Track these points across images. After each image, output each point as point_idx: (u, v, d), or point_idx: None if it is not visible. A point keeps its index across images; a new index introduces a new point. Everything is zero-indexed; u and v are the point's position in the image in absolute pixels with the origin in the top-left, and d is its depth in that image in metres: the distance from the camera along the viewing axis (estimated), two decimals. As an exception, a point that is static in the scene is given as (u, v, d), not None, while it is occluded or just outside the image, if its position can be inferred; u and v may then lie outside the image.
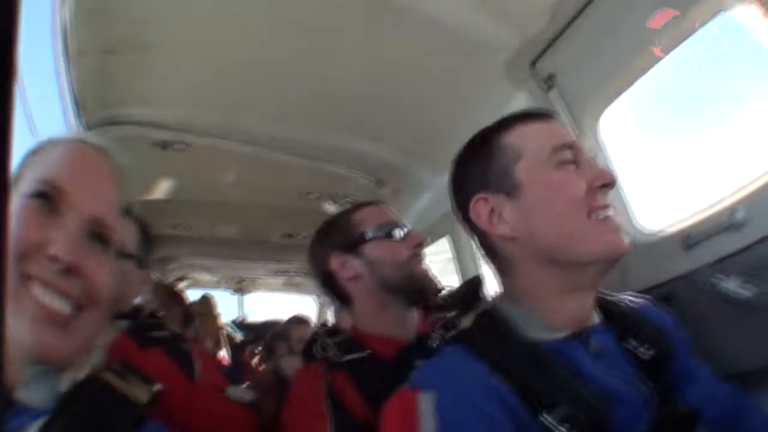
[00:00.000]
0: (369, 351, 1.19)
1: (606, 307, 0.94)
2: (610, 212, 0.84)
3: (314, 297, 4.26)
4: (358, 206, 1.40)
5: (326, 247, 1.33)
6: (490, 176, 0.89)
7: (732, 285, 1.19)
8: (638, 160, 1.73)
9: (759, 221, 1.18)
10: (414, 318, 1.29)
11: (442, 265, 2.68)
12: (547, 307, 0.85)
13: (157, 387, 0.74)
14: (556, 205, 0.84)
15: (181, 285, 3.66)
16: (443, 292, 1.33)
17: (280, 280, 4.17)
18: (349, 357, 1.18)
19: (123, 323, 1.31)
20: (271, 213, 3.05)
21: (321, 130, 2.20)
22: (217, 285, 4.23)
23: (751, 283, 1.16)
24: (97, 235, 0.66)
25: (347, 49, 1.69)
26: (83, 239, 0.64)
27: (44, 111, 1.69)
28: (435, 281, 1.30)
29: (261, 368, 3.00)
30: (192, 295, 3.39)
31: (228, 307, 4.24)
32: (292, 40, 1.63)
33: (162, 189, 2.59)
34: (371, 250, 1.28)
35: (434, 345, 0.88)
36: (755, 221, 1.19)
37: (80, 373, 0.67)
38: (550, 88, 1.61)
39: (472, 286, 0.99)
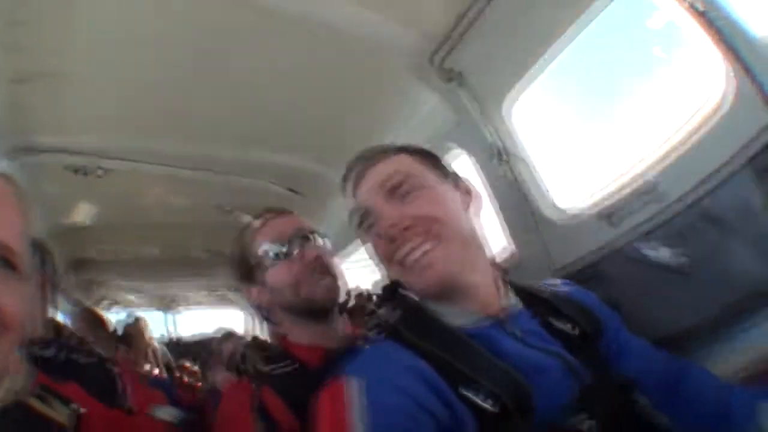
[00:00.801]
0: (297, 362, 1.21)
1: (528, 294, 1.01)
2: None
3: (243, 310, 4.30)
4: (252, 228, 1.37)
5: (238, 280, 1.39)
6: None
7: (662, 254, 1.25)
8: (555, 142, 1.81)
9: (676, 188, 1.24)
10: (338, 325, 1.30)
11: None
12: (461, 305, 0.92)
13: (77, 408, 0.78)
14: None
15: (110, 308, 3.67)
16: (364, 293, 1.37)
17: (208, 295, 4.21)
18: (278, 370, 1.19)
19: (48, 351, 1.34)
20: (192, 230, 3.11)
21: (235, 146, 2.28)
22: (146, 305, 4.22)
23: (679, 250, 1.23)
24: (5, 261, 0.64)
25: (252, 65, 1.74)
26: None
27: None
28: (336, 293, 1.30)
29: (197, 385, 3.11)
30: (122, 316, 3.42)
31: (159, 327, 4.27)
32: (198, 61, 1.70)
33: (84, 214, 2.64)
34: (270, 276, 1.29)
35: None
36: (672, 189, 1.25)
37: (1, 401, 0.68)
38: (459, 85, 1.67)
39: (394, 284, 1.01)
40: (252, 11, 1.52)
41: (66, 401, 0.79)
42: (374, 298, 1.46)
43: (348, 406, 0.74)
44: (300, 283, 1.25)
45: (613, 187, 1.42)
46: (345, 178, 1.00)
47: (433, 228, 0.88)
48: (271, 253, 1.28)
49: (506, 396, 0.76)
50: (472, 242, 0.94)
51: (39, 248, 1.31)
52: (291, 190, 2.67)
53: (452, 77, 1.67)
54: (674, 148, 1.27)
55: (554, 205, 1.58)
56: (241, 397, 1.15)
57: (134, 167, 2.30)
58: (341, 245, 2.47)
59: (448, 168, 1.04)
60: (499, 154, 1.64)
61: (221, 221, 2.83)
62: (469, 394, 0.77)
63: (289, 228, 1.32)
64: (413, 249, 0.88)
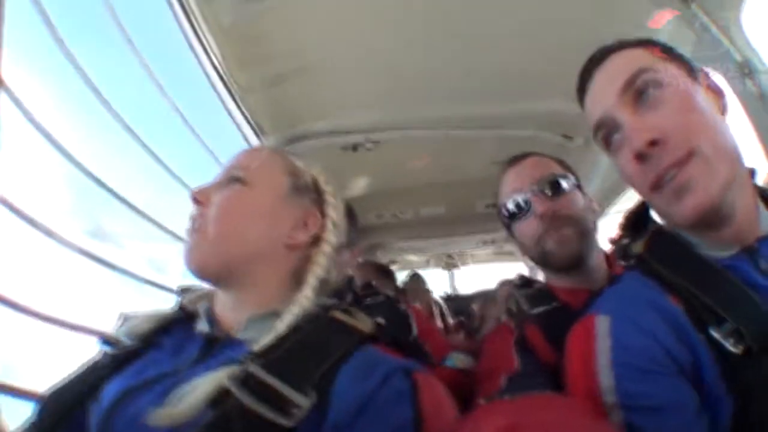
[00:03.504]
0: (558, 302, 1.18)
1: None
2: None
3: (524, 262, 4.05)
4: (499, 180, 1.29)
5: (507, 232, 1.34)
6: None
7: None
8: None
9: None
10: (600, 267, 1.22)
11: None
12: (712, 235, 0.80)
13: (380, 320, 0.83)
14: None
15: (393, 267, 3.87)
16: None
17: (489, 250, 4.17)
18: (540, 309, 1.17)
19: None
20: (469, 187, 3.05)
21: (499, 99, 2.22)
22: (426, 264, 4.40)
23: None
24: (232, 178, 0.82)
25: (502, 16, 1.72)
26: (219, 184, 0.83)
27: (224, 143, 1.99)
28: (576, 244, 1.16)
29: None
30: (403, 275, 3.58)
31: (440, 285, 4.38)
32: (456, 17, 1.67)
33: (361, 186, 2.83)
34: (515, 231, 1.24)
35: None
36: None
37: (294, 315, 0.75)
38: (689, 1, 1.56)
39: (639, 210, 0.91)
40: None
41: (368, 314, 0.83)
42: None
43: (595, 343, 0.74)
44: (537, 238, 1.17)
45: None
46: (579, 89, 0.88)
47: (692, 141, 0.73)
48: (510, 207, 1.21)
49: (752, 334, 0.67)
50: (736, 158, 0.77)
51: (347, 211, 1.38)
52: (564, 135, 2.54)
53: None
54: None
55: None
56: (504, 333, 1.20)
57: (401, 135, 2.35)
58: (616, 186, 2.52)
59: (695, 65, 0.85)
60: (744, 68, 1.51)
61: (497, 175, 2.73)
62: (717, 335, 0.69)
63: (526, 178, 1.21)
64: (669, 168, 0.73)
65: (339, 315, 0.78)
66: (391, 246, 3.80)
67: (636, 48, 0.82)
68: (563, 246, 1.15)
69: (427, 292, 3.43)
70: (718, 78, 1.64)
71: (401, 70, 1.88)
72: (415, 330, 1.53)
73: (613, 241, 1.03)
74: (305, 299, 0.77)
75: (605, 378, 0.72)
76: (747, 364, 0.68)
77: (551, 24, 1.79)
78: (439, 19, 1.67)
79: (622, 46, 0.83)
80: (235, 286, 0.80)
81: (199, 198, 0.81)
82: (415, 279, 3.42)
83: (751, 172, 0.83)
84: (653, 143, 0.72)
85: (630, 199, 2.54)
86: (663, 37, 1.72)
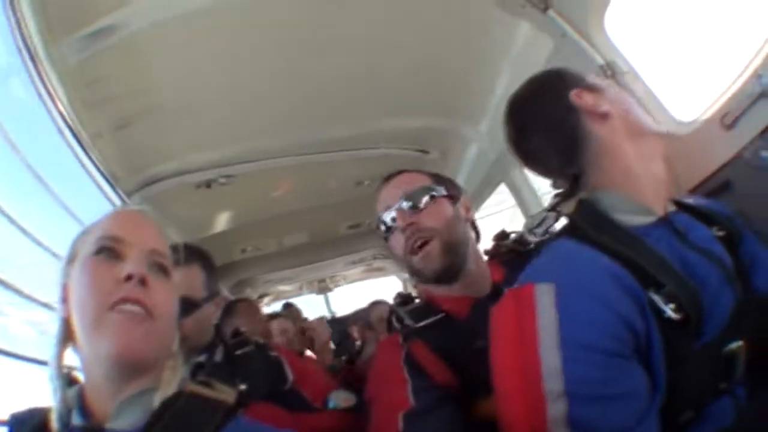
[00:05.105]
0: (443, 313, 1.14)
1: (674, 203, 0.91)
2: None
3: (395, 275, 4.32)
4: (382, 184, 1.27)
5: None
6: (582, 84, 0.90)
7: None
8: (662, 50, 1.74)
9: None
10: (482, 273, 1.19)
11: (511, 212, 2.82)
12: (641, 186, 0.83)
13: (242, 387, 0.83)
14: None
15: (262, 300, 3.78)
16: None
17: (359, 269, 4.21)
18: (424, 322, 1.13)
19: (207, 354, 1.36)
20: (331, 210, 3.10)
21: (354, 119, 2.22)
22: (300, 291, 4.33)
23: None
24: (157, 265, 0.76)
25: (356, 36, 1.71)
26: (146, 267, 0.74)
27: (76, 192, 1.86)
28: (439, 257, 1.14)
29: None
30: (278, 307, 3.47)
31: (318, 309, 4.34)
32: (295, 48, 1.66)
33: (221, 222, 2.72)
34: (390, 248, 1.23)
35: (532, 244, 0.90)
36: None
37: (168, 391, 0.72)
38: (546, 8, 1.58)
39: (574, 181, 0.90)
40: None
41: (230, 383, 0.80)
42: (512, 236, 1.33)
43: (536, 318, 0.66)
44: (404, 254, 1.17)
45: (732, 89, 1.27)
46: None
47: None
48: (382, 224, 1.21)
49: (687, 303, 0.67)
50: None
51: (203, 262, 1.43)
52: (419, 150, 2.59)
53: (540, 1, 1.57)
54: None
55: (673, 119, 1.46)
56: (391, 352, 1.12)
57: (256, 166, 2.30)
58: (479, 192, 2.61)
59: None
60: (605, 71, 1.53)
61: (360, 195, 2.86)
62: (658, 299, 0.67)
63: (393, 194, 1.21)
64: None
65: (201, 390, 0.75)
66: (259, 279, 3.70)
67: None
68: (428, 262, 1.13)
69: (304, 320, 3.36)
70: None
71: (249, 102, 1.85)
72: (290, 376, 1.46)
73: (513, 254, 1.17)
74: (171, 373, 0.75)
75: (550, 359, 0.63)
76: (682, 334, 0.66)
77: (401, 42, 1.79)
78: (284, 47, 1.65)
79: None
80: (140, 376, 0.73)
81: (145, 281, 0.73)
82: (290, 310, 3.33)
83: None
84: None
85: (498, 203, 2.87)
86: (520, 44, 1.83)
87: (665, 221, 0.81)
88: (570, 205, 0.84)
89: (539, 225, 0.88)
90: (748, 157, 1.19)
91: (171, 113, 1.75)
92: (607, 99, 0.87)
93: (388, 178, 1.25)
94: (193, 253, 1.40)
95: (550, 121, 0.88)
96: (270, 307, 3.88)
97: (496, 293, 0.97)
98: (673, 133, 1.44)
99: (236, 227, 2.80)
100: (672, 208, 0.87)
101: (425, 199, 1.17)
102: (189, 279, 1.36)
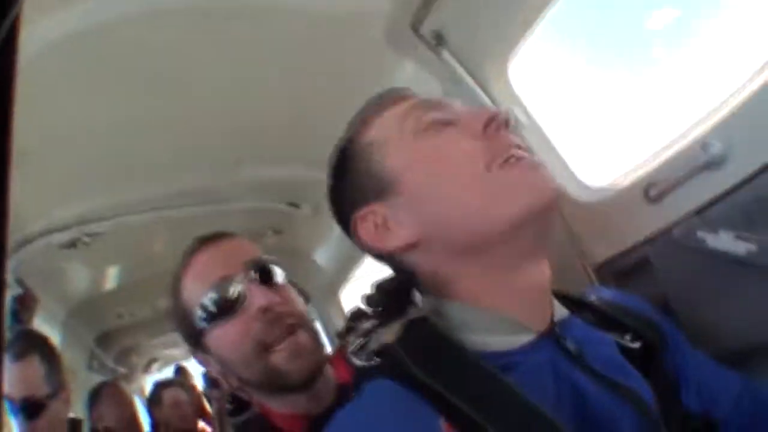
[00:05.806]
0: None
1: (570, 302, 0.74)
2: (519, 151, 0.64)
3: None
4: (179, 269, 1.01)
5: (188, 345, 1.04)
6: (364, 186, 0.71)
7: (723, 241, 0.93)
8: (574, 105, 1.49)
9: (742, 153, 0.92)
10: (323, 384, 0.97)
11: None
12: (502, 299, 0.64)
13: None
14: (441, 176, 0.65)
15: (150, 368, 3.59)
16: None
17: None
18: None
19: None
20: None
21: (220, 169, 2.10)
22: (188, 354, 4.06)
23: (746, 236, 0.90)
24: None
25: (225, 80, 1.54)
26: None
27: None
28: (311, 355, 0.93)
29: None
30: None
31: None
32: (159, 97, 1.53)
33: (92, 287, 2.56)
34: (212, 342, 0.94)
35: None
36: (737, 154, 0.92)
37: None
38: (440, 48, 1.37)
39: (400, 284, 0.73)
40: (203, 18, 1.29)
41: None
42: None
43: None
44: (258, 346, 0.89)
45: (655, 155, 1.14)
46: (375, 107, 0.82)
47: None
48: (210, 304, 0.90)
49: None
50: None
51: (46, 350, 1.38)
52: (290, 203, 2.44)
53: (433, 40, 1.39)
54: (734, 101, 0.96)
55: (580, 183, 1.28)
56: None
57: (118, 223, 2.15)
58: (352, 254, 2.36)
59: None
60: None
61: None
62: None
63: (236, 261, 0.93)
64: (513, 145, 0.65)
65: None
66: (144, 345, 3.45)
67: None
68: (297, 358, 0.90)
69: (194, 387, 3.23)
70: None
71: (109, 151, 1.73)
72: None
73: (348, 327, 0.88)
74: None
75: None
76: None
77: (274, 89, 1.64)
78: (147, 95, 1.51)
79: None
80: None
81: None
82: (183, 375, 3.24)
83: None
84: None
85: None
86: (408, 84, 1.55)
87: (549, 336, 0.63)
88: (395, 328, 0.65)
89: (361, 349, 0.68)
90: (680, 236, 1.02)
91: (33, 168, 1.49)
92: (409, 207, 0.67)
93: (206, 241, 1.00)
94: (29, 344, 1.32)
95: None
96: (161, 372, 3.69)
97: (341, 398, 0.82)
98: (580, 200, 1.27)
99: (108, 292, 2.63)
100: (563, 312, 0.68)
101: (280, 273, 0.97)
102: (27, 375, 1.28)
